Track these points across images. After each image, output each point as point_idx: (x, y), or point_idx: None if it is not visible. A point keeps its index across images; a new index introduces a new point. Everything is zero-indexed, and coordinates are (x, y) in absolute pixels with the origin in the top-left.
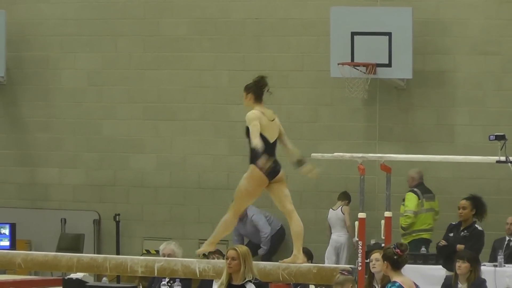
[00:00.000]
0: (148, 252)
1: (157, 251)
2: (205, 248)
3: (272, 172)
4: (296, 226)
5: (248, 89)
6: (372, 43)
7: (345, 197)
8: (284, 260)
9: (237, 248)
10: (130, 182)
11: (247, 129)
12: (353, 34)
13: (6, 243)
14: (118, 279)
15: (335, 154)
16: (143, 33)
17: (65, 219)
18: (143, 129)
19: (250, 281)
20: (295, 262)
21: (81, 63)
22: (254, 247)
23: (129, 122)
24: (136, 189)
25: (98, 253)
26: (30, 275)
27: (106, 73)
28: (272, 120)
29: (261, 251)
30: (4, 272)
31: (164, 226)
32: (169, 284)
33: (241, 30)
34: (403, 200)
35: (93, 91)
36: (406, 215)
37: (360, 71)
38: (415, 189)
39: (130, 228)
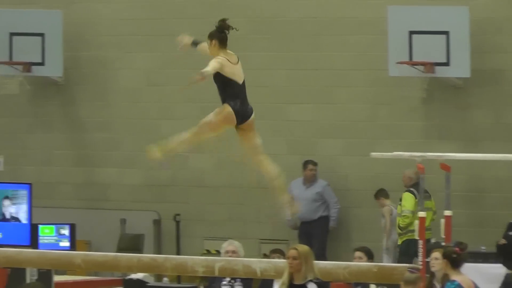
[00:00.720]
0: (208, 252)
1: (218, 251)
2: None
3: (242, 114)
4: (272, 169)
5: (211, 36)
6: (430, 42)
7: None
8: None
9: (298, 248)
10: (190, 182)
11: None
12: (411, 33)
13: (66, 243)
14: (178, 279)
15: (395, 153)
16: (201, 32)
17: (125, 220)
18: None
19: (311, 280)
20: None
21: (138, 63)
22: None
23: (187, 121)
24: (196, 189)
25: (158, 253)
26: (90, 275)
27: (163, 72)
28: (237, 63)
29: (332, 224)
30: (64, 273)
31: (224, 226)
32: (230, 283)
33: (298, 29)
34: (400, 200)
35: (150, 91)
36: (404, 215)
37: (418, 70)
38: (412, 189)
39: (190, 228)
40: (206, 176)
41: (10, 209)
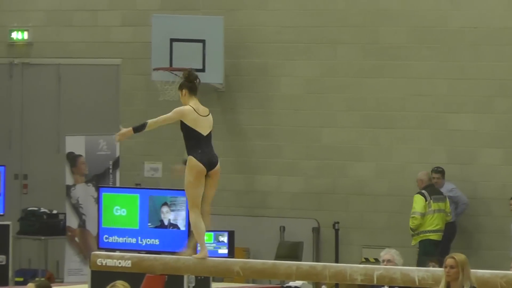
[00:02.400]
0: (367, 260)
1: (376, 259)
2: (188, 252)
3: (207, 163)
4: (206, 224)
5: (181, 86)
6: None
7: None
8: (182, 252)
9: (455, 256)
10: (349, 190)
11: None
12: None
13: (224, 250)
14: (336, 287)
15: None
16: (362, 41)
17: (283, 227)
18: (362, 137)
19: None
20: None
21: (299, 71)
22: None
23: (348, 130)
24: (355, 197)
25: (317, 261)
26: (248, 283)
27: (325, 80)
28: (206, 115)
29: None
30: (221, 280)
31: (383, 234)
32: None
33: (459, 39)
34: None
35: (312, 99)
36: (412, 217)
37: None
38: (423, 191)
39: (349, 236)
40: (366, 184)
41: (168, 216)
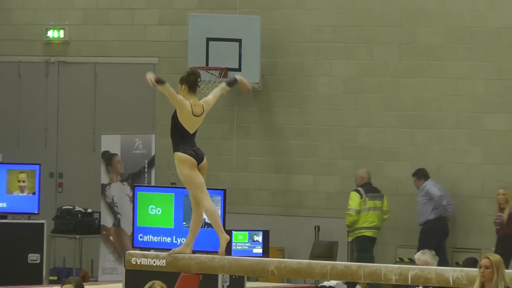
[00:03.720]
0: (401, 260)
1: (410, 259)
2: (222, 244)
3: (197, 157)
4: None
5: (181, 80)
6: None
7: None
8: (174, 250)
9: (490, 257)
10: (385, 190)
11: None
12: None
13: (259, 250)
14: (370, 286)
15: None
16: (399, 41)
17: (318, 227)
18: (398, 137)
19: None
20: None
21: (336, 70)
22: None
23: (384, 130)
24: (391, 197)
25: (351, 260)
26: (282, 282)
27: (361, 80)
28: (199, 115)
29: None
30: (255, 279)
31: (418, 234)
32: None
33: (497, 39)
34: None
35: (348, 98)
36: (348, 213)
37: None
38: (359, 188)
39: (384, 235)
40: (402, 184)
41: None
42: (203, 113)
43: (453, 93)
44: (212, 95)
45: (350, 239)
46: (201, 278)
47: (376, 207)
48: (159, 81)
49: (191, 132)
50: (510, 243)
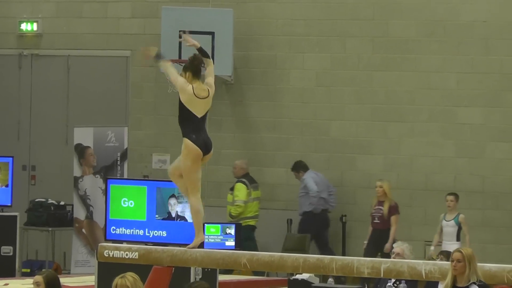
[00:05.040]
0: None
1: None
2: (195, 242)
3: (204, 145)
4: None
5: (185, 68)
6: None
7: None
8: (188, 246)
9: (462, 251)
10: (357, 183)
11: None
12: None
13: (231, 243)
14: (342, 280)
15: None
16: (372, 34)
17: (291, 220)
18: (371, 130)
19: (474, 283)
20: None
21: (309, 63)
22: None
23: (357, 123)
24: (363, 190)
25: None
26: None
27: (334, 73)
28: (204, 97)
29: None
30: (229, 272)
31: None
32: (395, 285)
33: (469, 33)
34: (231, 189)
35: (321, 92)
36: (236, 205)
37: None
38: (244, 180)
39: (356, 229)
40: (374, 178)
41: (176, 208)
42: (208, 96)
43: (426, 86)
44: (211, 75)
45: None
46: (173, 271)
47: (257, 197)
48: (158, 56)
49: (199, 116)
50: (385, 237)
